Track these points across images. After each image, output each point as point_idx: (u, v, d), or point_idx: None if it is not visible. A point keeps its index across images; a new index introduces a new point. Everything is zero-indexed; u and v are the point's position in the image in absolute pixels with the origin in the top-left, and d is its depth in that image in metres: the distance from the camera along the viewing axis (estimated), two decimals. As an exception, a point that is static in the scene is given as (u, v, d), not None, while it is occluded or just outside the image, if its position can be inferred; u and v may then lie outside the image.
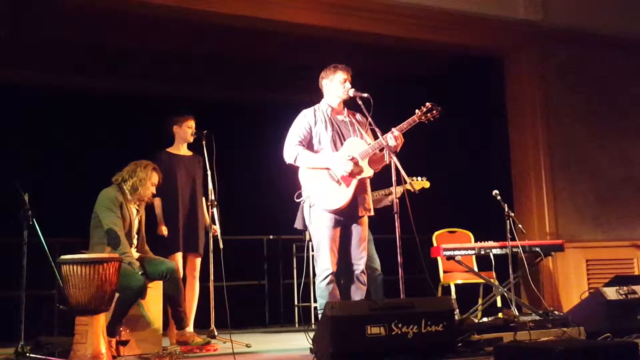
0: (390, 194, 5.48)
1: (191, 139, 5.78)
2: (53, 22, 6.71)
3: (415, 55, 7.83)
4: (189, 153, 5.84)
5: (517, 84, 7.82)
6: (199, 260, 5.73)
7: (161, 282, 5.17)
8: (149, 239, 5.39)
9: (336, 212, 4.59)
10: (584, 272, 7.31)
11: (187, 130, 5.77)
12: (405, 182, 4.65)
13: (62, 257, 4.38)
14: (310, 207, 4.62)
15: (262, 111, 8.50)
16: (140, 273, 4.88)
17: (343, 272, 4.66)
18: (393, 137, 4.54)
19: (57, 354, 4.54)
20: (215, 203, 5.52)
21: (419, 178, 6.13)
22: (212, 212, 5.54)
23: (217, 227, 5.60)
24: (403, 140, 4.59)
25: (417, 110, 4.65)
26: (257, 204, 8.22)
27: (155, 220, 5.57)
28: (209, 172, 5.56)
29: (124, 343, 4.70)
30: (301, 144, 4.69)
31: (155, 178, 5.18)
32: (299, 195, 4.69)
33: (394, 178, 4.58)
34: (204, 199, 5.75)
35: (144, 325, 5.02)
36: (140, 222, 5.26)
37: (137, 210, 5.23)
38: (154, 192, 5.23)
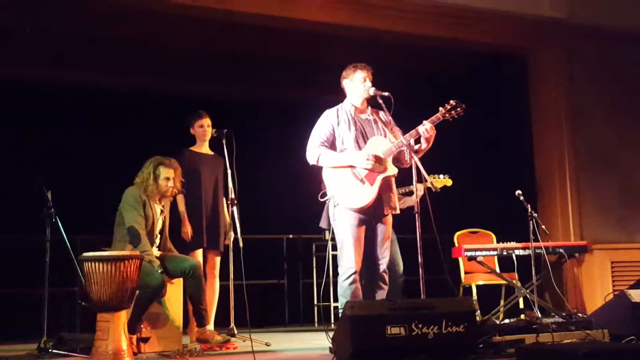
0: (411, 192, 5.44)
1: (208, 137, 5.79)
2: (75, 18, 6.75)
3: (439, 53, 7.78)
4: (211, 152, 5.85)
5: (541, 82, 7.74)
6: (219, 259, 5.75)
7: (182, 279, 5.19)
8: (171, 236, 5.40)
9: (360, 210, 4.57)
10: (609, 274, 7.22)
11: (199, 129, 5.78)
12: (426, 181, 4.62)
13: (84, 254, 4.40)
14: (334, 206, 4.61)
15: (284, 110, 8.51)
16: (159, 272, 4.89)
17: (365, 271, 4.64)
18: (425, 130, 4.52)
19: (79, 350, 4.59)
20: (236, 202, 5.53)
21: (441, 176, 6.07)
22: (232, 211, 5.55)
23: (231, 234, 5.61)
24: (435, 132, 4.57)
25: (440, 108, 4.63)
26: (278, 203, 8.22)
27: (177, 216, 5.57)
28: (229, 171, 5.57)
29: (145, 340, 4.71)
30: (324, 144, 4.68)
31: (166, 173, 5.15)
32: (323, 195, 4.68)
33: (414, 178, 4.57)
34: (224, 198, 5.76)
35: (164, 323, 5.05)
36: (164, 221, 5.27)
37: (162, 210, 5.24)
38: (175, 186, 5.22)
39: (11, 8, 6.32)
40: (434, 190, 5.77)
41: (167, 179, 5.15)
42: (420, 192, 4.88)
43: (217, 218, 5.72)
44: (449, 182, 6.07)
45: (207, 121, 5.80)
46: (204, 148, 5.84)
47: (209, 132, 5.77)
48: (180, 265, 5.11)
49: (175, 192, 5.30)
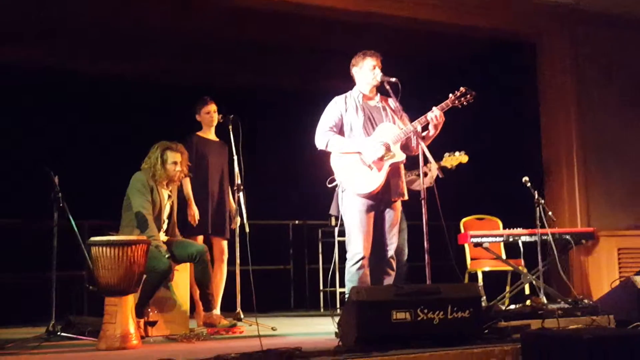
0: (428, 172, 5.39)
1: (215, 123, 5.79)
2: (82, 6, 6.76)
3: (446, 39, 7.76)
4: (217, 139, 5.86)
5: (549, 68, 7.71)
6: (226, 243, 5.77)
7: (189, 264, 5.21)
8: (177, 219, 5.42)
9: (368, 196, 4.58)
10: (615, 261, 7.19)
11: (206, 115, 5.79)
12: (432, 166, 4.61)
13: (92, 238, 4.43)
14: (342, 192, 4.62)
15: (292, 97, 8.51)
16: (167, 257, 4.91)
17: (372, 257, 4.65)
18: (433, 117, 4.53)
19: (87, 334, 4.62)
20: (242, 188, 5.54)
21: (456, 153, 5.96)
22: (239, 197, 5.56)
23: (237, 219, 5.62)
24: (444, 119, 4.57)
25: (450, 95, 4.62)
26: (284, 189, 8.24)
27: (183, 200, 5.58)
28: (235, 157, 5.58)
29: (152, 324, 4.75)
30: (332, 130, 4.68)
31: (173, 157, 5.15)
32: (331, 181, 4.68)
33: (421, 164, 4.57)
34: (229, 185, 5.78)
35: (171, 307, 5.08)
36: (172, 206, 5.28)
37: (169, 195, 5.26)
38: (182, 170, 5.22)
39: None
40: (450, 168, 5.77)
41: (175, 163, 5.16)
42: (435, 173, 4.88)
43: (223, 204, 5.74)
44: (465, 159, 5.94)
45: (213, 107, 5.80)
46: (211, 134, 5.85)
47: (216, 117, 5.78)
48: (187, 250, 5.13)
49: (182, 177, 5.31)
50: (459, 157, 5.92)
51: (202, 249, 5.19)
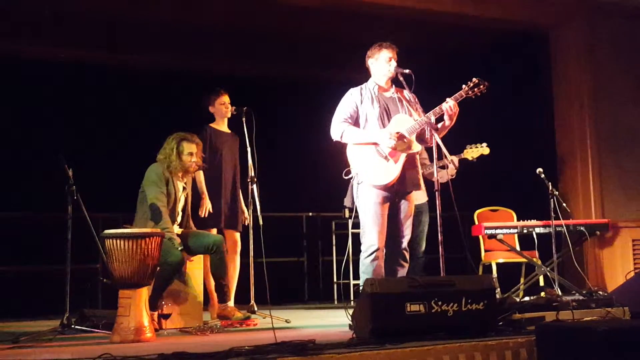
0: (446, 166, 5.39)
1: (229, 114, 5.78)
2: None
3: (460, 31, 7.72)
4: (229, 131, 5.85)
5: (563, 60, 7.66)
6: (239, 235, 5.76)
7: (203, 257, 5.21)
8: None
9: (384, 188, 4.57)
10: (630, 252, 7.17)
11: (220, 107, 5.78)
12: (446, 158, 4.60)
13: (106, 231, 4.45)
14: (358, 183, 4.61)
15: (305, 88, 8.49)
16: (179, 249, 4.92)
17: (386, 249, 4.64)
18: (448, 107, 4.51)
19: (101, 326, 4.64)
20: (255, 180, 5.54)
21: (478, 145, 5.94)
22: (252, 189, 5.56)
23: (247, 215, 5.62)
24: (458, 109, 4.56)
25: (463, 85, 4.60)
26: (297, 181, 8.23)
27: (196, 192, 5.58)
28: (248, 149, 5.57)
29: (166, 316, 4.76)
30: (347, 121, 4.68)
31: (189, 148, 5.15)
32: (347, 173, 4.68)
33: (435, 156, 4.58)
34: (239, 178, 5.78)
35: (185, 300, 5.09)
36: (186, 199, 5.29)
37: (184, 187, 5.26)
38: (197, 161, 5.22)
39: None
40: (471, 160, 5.77)
41: (191, 154, 5.15)
42: (453, 168, 4.90)
43: (236, 197, 5.74)
44: (487, 151, 5.90)
45: (227, 98, 5.80)
46: (224, 126, 5.83)
47: (229, 109, 5.77)
48: (204, 241, 5.14)
49: (197, 168, 5.30)
50: (481, 149, 5.90)
51: (219, 239, 5.20)
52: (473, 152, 5.87)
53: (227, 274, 5.26)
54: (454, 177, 5.39)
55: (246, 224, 5.72)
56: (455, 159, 5.68)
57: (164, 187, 5.06)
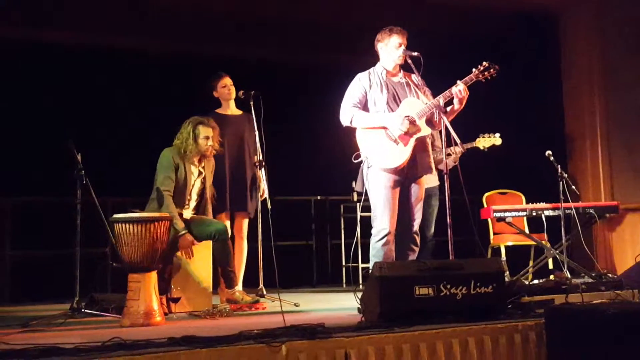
0: (452, 153, 5.41)
1: (232, 96, 5.74)
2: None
3: (470, 13, 7.66)
4: (238, 112, 5.82)
5: (573, 42, 7.61)
6: (246, 221, 5.75)
7: (210, 241, 5.23)
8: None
9: (394, 171, 4.57)
10: (639, 235, 7.14)
11: (222, 90, 5.76)
12: (456, 144, 4.60)
13: (115, 215, 4.46)
14: (368, 167, 4.61)
15: (315, 72, 8.45)
16: (181, 233, 4.95)
17: (396, 233, 4.64)
18: (458, 91, 4.49)
19: (111, 310, 4.66)
20: (263, 163, 5.53)
21: (490, 135, 5.98)
22: (260, 173, 5.55)
23: (265, 189, 5.61)
24: (468, 93, 4.53)
25: (474, 69, 4.59)
26: (306, 164, 8.22)
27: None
28: (256, 133, 5.56)
29: (175, 300, 4.77)
30: (356, 105, 4.67)
31: (205, 132, 5.15)
32: (357, 157, 4.67)
33: (443, 139, 4.58)
34: (251, 157, 5.76)
35: (194, 284, 5.10)
36: (203, 183, 5.27)
37: (200, 172, 5.25)
38: (214, 145, 5.20)
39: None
40: (482, 149, 5.80)
41: (207, 137, 5.16)
42: (458, 154, 4.93)
43: (244, 179, 5.69)
44: (499, 142, 5.97)
45: (228, 80, 5.77)
46: (230, 109, 5.81)
47: (233, 90, 5.75)
48: (207, 229, 5.15)
49: (214, 152, 5.28)
50: (493, 139, 5.96)
51: (222, 227, 5.21)
52: (485, 141, 5.90)
53: (232, 261, 5.26)
54: (456, 163, 5.37)
55: (262, 199, 5.68)
56: (466, 146, 5.66)
57: (171, 172, 5.07)
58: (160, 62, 8.01)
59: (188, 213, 5.21)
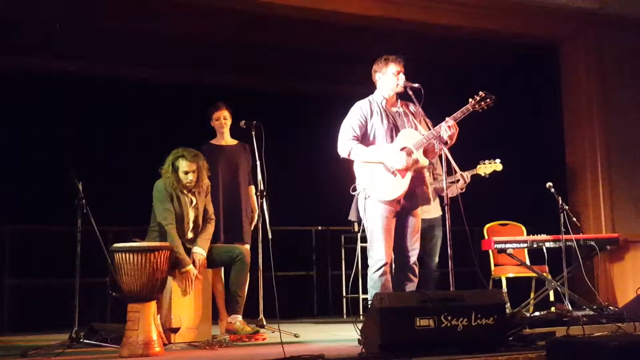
0: (457, 181, 5.41)
1: (226, 129, 5.79)
2: (112, 13, 6.83)
3: (469, 45, 7.73)
4: (233, 142, 5.85)
5: (572, 73, 7.66)
6: (247, 250, 5.73)
7: (210, 271, 5.21)
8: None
9: (392, 203, 4.57)
10: (641, 267, 7.12)
11: (216, 122, 5.82)
12: (456, 173, 4.60)
13: (115, 245, 4.46)
14: (365, 198, 4.60)
15: (315, 101, 8.51)
16: (183, 270, 4.97)
17: (395, 264, 4.63)
18: (447, 127, 4.50)
19: (110, 340, 4.64)
20: (265, 193, 5.53)
21: (491, 161, 5.93)
22: (261, 203, 5.55)
23: (267, 218, 5.60)
24: (458, 129, 4.54)
25: (470, 99, 4.61)
26: (307, 195, 8.23)
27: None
28: (258, 163, 5.57)
29: (175, 330, 4.74)
30: (355, 137, 4.65)
31: (185, 167, 5.09)
32: (355, 188, 4.67)
33: (444, 169, 4.57)
34: (252, 187, 5.77)
35: (194, 314, 5.07)
36: (196, 210, 5.26)
37: (192, 201, 5.24)
38: (201, 179, 5.18)
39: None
40: (483, 176, 5.80)
41: (186, 172, 5.10)
42: (467, 179, 4.92)
43: (239, 210, 5.69)
44: (499, 167, 5.91)
45: (223, 112, 5.80)
46: (224, 140, 5.84)
47: (227, 123, 5.78)
48: (230, 251, 5.23)
49: (198, 187, 5.20)
50: (494, 165, 5.91)
51: (243, 251, 5.27)
52: (486, 168, 5.88)
53: (245, 288, 5.27)
54: (463, 190, 5.39)
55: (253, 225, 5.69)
56: (467, 174, 5.67)
57: (168, 203, 5.07)
58: (163, 92, 8.07)
59: (190, 235, 5.21)
